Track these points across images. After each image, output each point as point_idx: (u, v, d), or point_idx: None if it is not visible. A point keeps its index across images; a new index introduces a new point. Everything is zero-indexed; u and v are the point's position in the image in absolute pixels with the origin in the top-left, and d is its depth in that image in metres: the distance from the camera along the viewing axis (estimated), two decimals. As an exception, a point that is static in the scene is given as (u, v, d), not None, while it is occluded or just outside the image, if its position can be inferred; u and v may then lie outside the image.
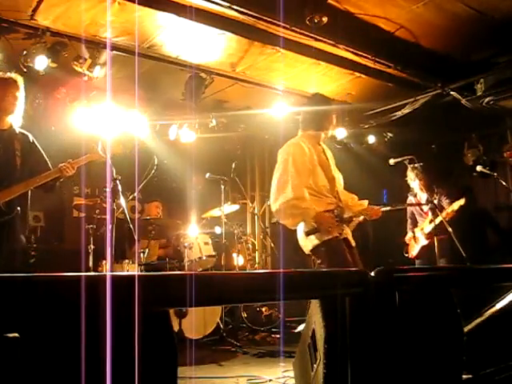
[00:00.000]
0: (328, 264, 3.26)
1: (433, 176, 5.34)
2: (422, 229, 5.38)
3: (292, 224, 3.36)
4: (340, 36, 4.38)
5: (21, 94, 3.33)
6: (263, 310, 5.78)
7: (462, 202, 4.99)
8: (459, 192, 5.31)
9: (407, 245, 5.61)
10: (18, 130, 3.36)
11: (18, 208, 3.25)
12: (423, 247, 5.34)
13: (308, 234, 3.28)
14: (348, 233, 3.46)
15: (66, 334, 1.03)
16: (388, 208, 3.99)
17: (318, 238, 3.26)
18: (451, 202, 5.17)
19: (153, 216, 5.77)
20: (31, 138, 3.43)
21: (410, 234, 5.51)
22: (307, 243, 3.34)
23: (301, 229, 3.34)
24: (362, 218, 3.56)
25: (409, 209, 5.60)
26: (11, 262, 3.18)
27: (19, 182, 3.23)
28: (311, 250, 3.34)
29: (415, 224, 5.53)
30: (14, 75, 3.38)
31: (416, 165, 5.00)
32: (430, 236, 5.13)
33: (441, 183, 5.48)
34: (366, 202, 3.67)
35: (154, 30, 4.28)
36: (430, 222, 5.05)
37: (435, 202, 4.94)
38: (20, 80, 3.35)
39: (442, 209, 5.06)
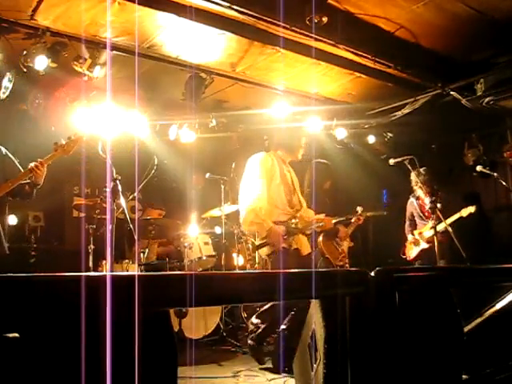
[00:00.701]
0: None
1: (433, 176, 5.34)
2: (420, 233, 5.36)
3: (249, 231, 3.91)
4: (340, 36, 4.38)
5: None
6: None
7: (472, 209, 4.96)
8: (464, 198, 5.29)
9: (404, 246, 5.60)
10: None
11: None
12: (422, 249, 5.33)
13: (258, 247, 3.80)
14: (301, 243, 3.80)
15: (66, 333, 1.03)
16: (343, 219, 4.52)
17: (267, 249, 3.71)
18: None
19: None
20: (4, 150, 3.49)
21: (410, 237, 5.48)
22: (262, 251, 3.81)
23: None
24: (316, 226, 3.95)
25: (408, 210, 5.58)
26: None
27: None
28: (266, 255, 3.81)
29: (414, 226, 5.51)
30: None
31: (421, 170, 4.98)
32: (430, 240, 5.11)
33: (441, 184, 5.48)
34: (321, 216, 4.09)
35: (154, 30, 4.28)
36: (431, 228, 5.03)
37: (438, 206, 4.92)
38: None
39: (443, 215, 5.04)
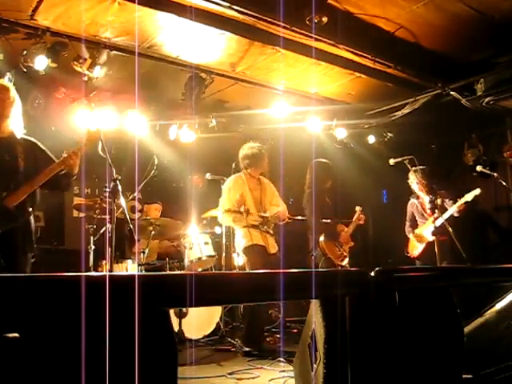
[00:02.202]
0: (248, 263, 4.60)
1: (433, 176, 5.33)
2: (420, 232, 5.35)
3: (234, 222, 4.73)
4: (340, 36, 4.38)
5: (14, 98, 3.25)
6: (263, 310, 5.77)
7: (477, 191, 4.91)
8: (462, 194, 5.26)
9: (407, 245, 5.59)
10: (20, 136, 3.29)
11: (30, 209, 3.19)
12: (426, 247, 5.28)
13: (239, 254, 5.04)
14: (268, 243, 4.63)
15: (66, 334, 1.03)
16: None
17: (243, 244, 4.59)
18: (455, 203, 5.12)
19: (151, 217, 5.76)
20: (35, 141, 3.37)
21: (412, 235, 5.46)
22: (239, 245, 4.69)
23: (239, 235, 4.68)
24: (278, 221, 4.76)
25: (409, 210, 5.56)
26: (26, 268, 3.14)
27: (25, 183, 3.17)
28: (242, 251, 4.68)
29: (415, 227, 5.49)
30: (1, 81, 3.36)
31: (418, 167, 4.98)
32: (434, 234, 5.05)
33: (441, 183, 5.47)
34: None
35: (154, 30, 4.28)
36: (433, 221, 5.01)
37: (438, 202, 4.90)
38: (9, 85, 3.30)
39: (445, 211, 5.03)
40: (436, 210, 4.70)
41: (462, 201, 5.00)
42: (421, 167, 5.02)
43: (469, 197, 4.98)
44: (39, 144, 3.40)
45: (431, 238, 5.10)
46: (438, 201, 4.88)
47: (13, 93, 3.26)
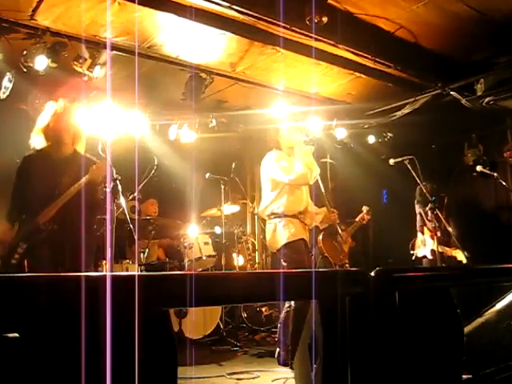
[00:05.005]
0: (290, 262, 3.67)
1: (433, 176, 5.33)
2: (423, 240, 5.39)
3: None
4: (340, 36, 4.38)
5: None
6: (263, 310, 5.78)
7: (464, 258, 4.94)
8: (461, 197, 5.28)
9: (414, 242, 5.59)
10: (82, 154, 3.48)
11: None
12: (425, 256, 5.34)
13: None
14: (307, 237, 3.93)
15: (65, 334, 1.03)
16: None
17: (285, 239, 3.74)
18: (447, 215, 5.12)
19: (150, 214, 5.76)
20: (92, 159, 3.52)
21: (420, 236, 5.47)
22: (275, 244, 3.81)
23: (270, 228, 3.85)
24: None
25: (417, 208, 5.58)
26: None
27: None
28: (277, 250, 3.78)
29: (425, 222, 5.50)
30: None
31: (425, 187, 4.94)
32: (434, 253, 5.11)
33: (441, 184, 5.47)
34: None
35: (154, 30, 4.28)
36: (431, 237, 5.05)
37: (435, 202, 4.91)
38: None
39: (438, 219, 5.03)
40: (431, 211, 4.73)
41: (450, 253, 5.06)
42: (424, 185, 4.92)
43: (456, 254, 5.04)
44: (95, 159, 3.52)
45: (431, 257, 5.18)
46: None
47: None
